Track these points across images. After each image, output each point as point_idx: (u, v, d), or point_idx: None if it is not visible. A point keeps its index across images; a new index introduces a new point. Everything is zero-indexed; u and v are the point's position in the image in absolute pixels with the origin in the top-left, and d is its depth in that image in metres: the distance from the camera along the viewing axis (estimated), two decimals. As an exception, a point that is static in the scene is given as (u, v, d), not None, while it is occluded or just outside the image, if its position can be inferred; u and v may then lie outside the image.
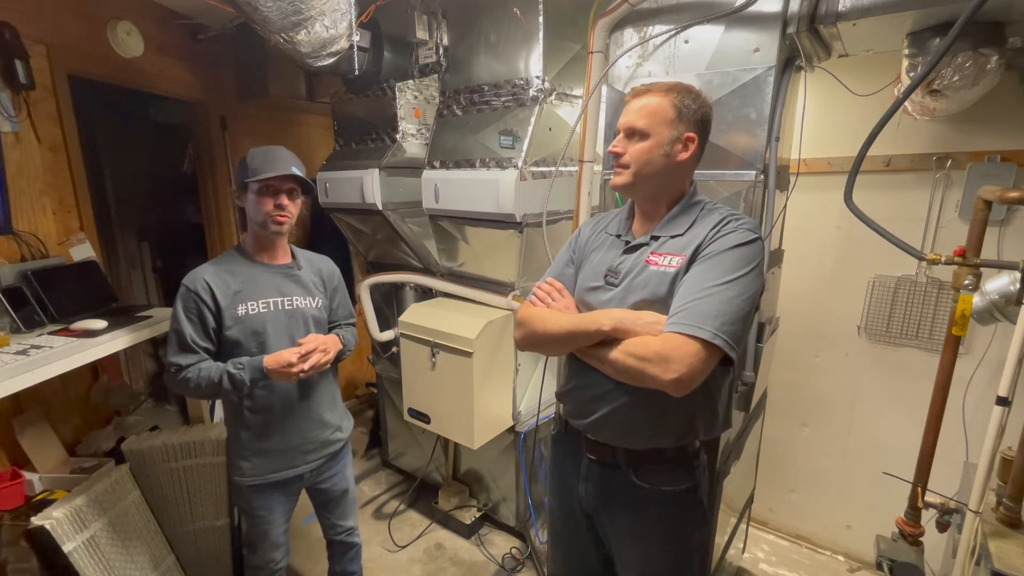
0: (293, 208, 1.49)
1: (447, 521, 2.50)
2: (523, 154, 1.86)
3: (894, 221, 1.69)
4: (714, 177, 1.49)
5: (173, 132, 3.47)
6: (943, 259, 1.48)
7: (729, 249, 1.05)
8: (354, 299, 2.59)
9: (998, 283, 1.49)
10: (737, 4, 1.40)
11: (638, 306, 1.11)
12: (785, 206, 1.81)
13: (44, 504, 1.62)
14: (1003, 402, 1.30)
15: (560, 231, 2.02)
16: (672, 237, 1.14)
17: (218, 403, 3.21)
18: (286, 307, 1.50)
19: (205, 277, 1.42)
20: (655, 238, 1.16)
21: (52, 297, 1.86)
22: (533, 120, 1.89)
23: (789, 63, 1.49)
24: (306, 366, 1.41)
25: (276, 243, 1.53)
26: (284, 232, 1.50)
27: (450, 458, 2.57)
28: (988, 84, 1.46)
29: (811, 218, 2.19)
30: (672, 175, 1.15)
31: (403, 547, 2.39)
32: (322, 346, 1.47)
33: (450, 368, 2.01)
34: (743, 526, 2.22)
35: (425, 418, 2.17)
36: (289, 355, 1.40)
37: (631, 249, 1.18)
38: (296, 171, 1.44)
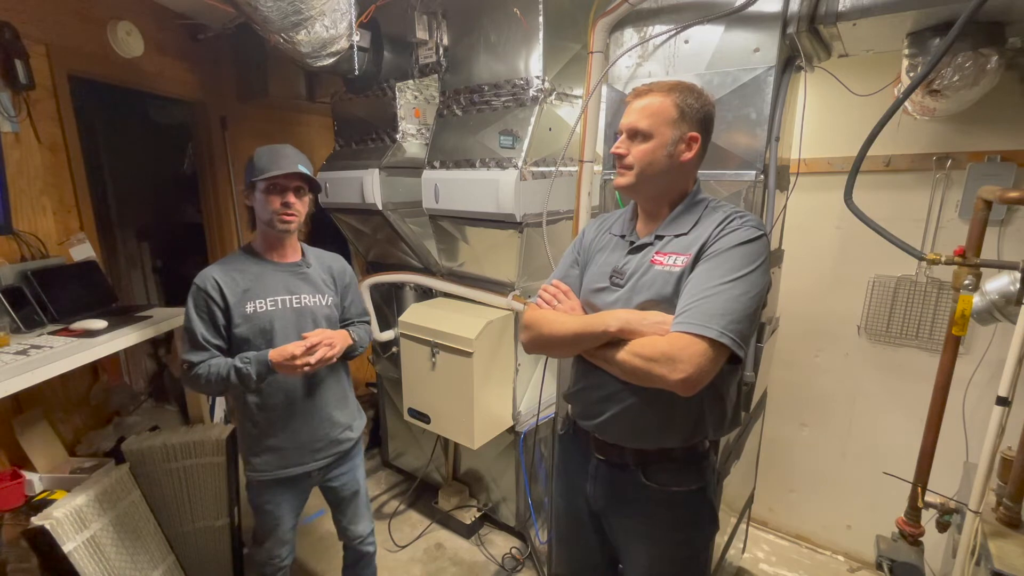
0: (300, 206, 1.49)
1: (447, 521, 2.50)
2: (523, 154, 1.86)
3: (894, 221, 1.69)
4: (714, 177, 1.49)
5: (173, 132, 3.47)
6: (943, 259, 1.48)
7: (734, 247, 1.05)
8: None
9: (998, 283, 1.49)
10: (737, 4, 1.40)
11: (644, 306, 1.10)
12: (785, 206, 1.81)
13: (44, 504, 1.62)
14: (1003, 402, 1.30)
15: (560, 231, 2.02)
16: (677, 236, 1.13)
17: (218, 403, 3.22)
18: (294, 305, 1.51)
19: (214, 275, 1.44)
20: (659, 237, 1.15)
21: (52, 297, 1.86)
22: (533, 120, 1.89)
23: (789, 63, 1.48)
24: (312, 359, 1.40)
25: (285, 241, 1.53)
26: (292, 230, 1.50)
27: (450, 458, 2.57)
28: (988, 84, 1.46)
29: (811, 218, 2.19)
30: (675, 175, 1.14)
31: (403, 547, 2.39)
32: (328, 340, 1.46)
33: (450, 368, 2.01)
34: (743, 526, 2.21)
35: (425, 418, 2.17)
36: (293, 348, 1.40)
37: (636, 249, 1.18)
38: (303, 169, 1.45)
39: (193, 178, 3.00)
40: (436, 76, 2.19)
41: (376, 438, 3.10)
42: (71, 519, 1.58)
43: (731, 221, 1.09)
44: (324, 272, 1.60)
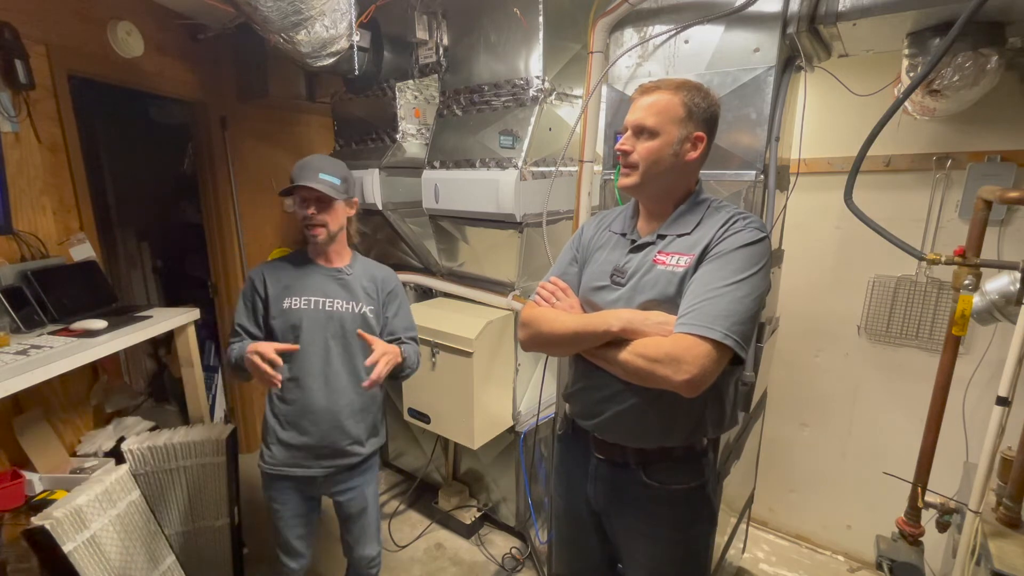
0: (325, 217, 1.48)
1: (447, 521, 2.50)
2: (523, 154, 1.87)
3: (894, 221, 1.69)
4: (714, 177, 1.49)
5: (173, 132, 3.47)
6: (943, 259, 1.48)
7: (738, 248, 1.05)
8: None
9: (998, 283, 1.49)
10: (737, 4, 1.40)
11: (646, 306, 1.10)
12: (785, 206, 1.81)
13: (44, 504, 1.62)
14: (1003, 402, 1.30)
15: (560, 231, 2.02)
16: (679, 236, 1.13)
17: (218, 403, 3.22)
18: (326, 308, 1.52)
19: (264, 270, 1.55)
20: (662, 237, 1.15)
21: (52, 297, 1.86)
22: (533, 120, 1.89)
23: (789, 63, 1.49)
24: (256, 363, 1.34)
25: (328, 249, 1.56)
26: (321, 241, 1.50)
27: (450, 458, 2.57)
28: (988, 84, 1.46)
29: (811, 218, 2.19)
30: (680, 174, 1.14)
31: (403, 547, 2.39)
32: (382, 359, 1.39)
33: (450, 368, 2.01)
34: (743, 526, 2.22)
35: (425, 418, 2.17)
36: (262, 346, 1.35)
37: (637, 248, 1.17)
38: (325, 177, 1.45)
39: (193, 178, 3.00)
40: (436, 76, 2.19)
41: (376, 438, 3.10)
42: (71, 519, 1.58)
43: (735, 222, 1.09)
44: (367, 280, 1.60)
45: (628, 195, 1.19)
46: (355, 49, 2.00)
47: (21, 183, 1.91)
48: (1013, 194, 1.37)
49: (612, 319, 1.09)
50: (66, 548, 1.54)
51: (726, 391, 1.17)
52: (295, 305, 1.51)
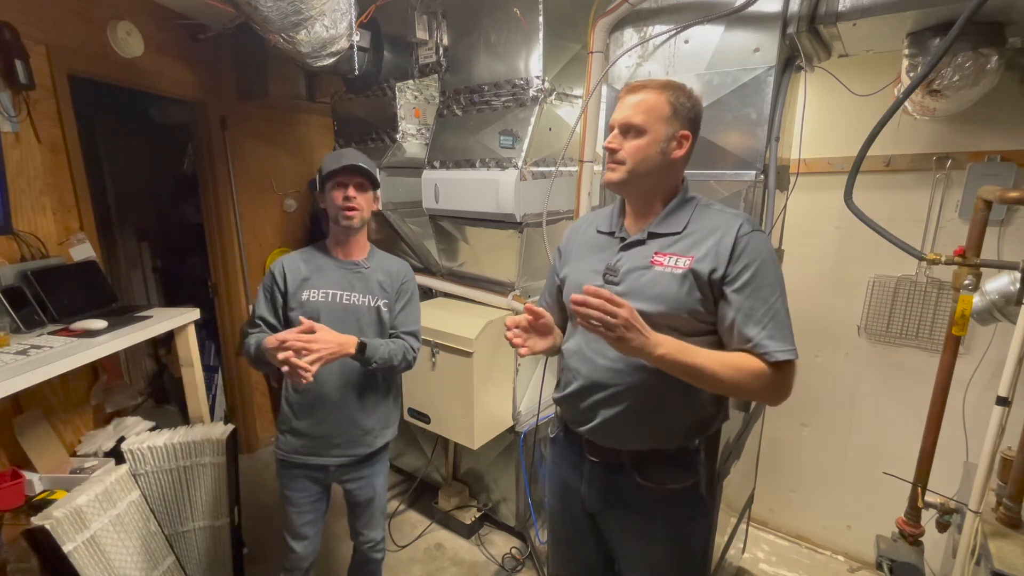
0: (362, 200, 1.53)
1: (447, 521, 2.50)
2: (523, 154, 1.86)
3: (894, 221, 1.69)
4: (714, 177, 1.49)
5: (173, 132, 3.47)
6: (943, 259, 1.48)
7: (770, 258, 1.09)
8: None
9: (998, 283, 1.49)
10: (737, 4, 1.40)
11: (645, 305, 1.10)
12: (785, 206, 1.81)
13: (44, 504, 1.62)
14: (1003, 402, 1.30)
15: (560, 231, 2.01)
16: (672, 235, 1.14)
17: (218, 403, 3.22)
18: (343, 301, 1.55)
19: (284, 262, 1.56)
20: (653, 235, 1.15)
21: (52, 297, 1.86)
22: (533, 120, 1.89)
23: (789, 63, 1.49)
24: (280, 355, 1.33)
25: (351, 239, 1.58)
26: (355, 224, 1.54)
27: (450, 458, 2.57)
28: (988, 84, 1.46)
29: (811, 218, 2.19)
30: (666, 173, 1.15)
31: (403, 547, 2.39)
32: (308, 343, 1.35)
33: (450, 368, 2.01)
34: (743, 526, 2.22)
35: (425, 418, 2.17)
36: (285, 334, 1.35)
37: (627, 246, 1.18)
38: (361, 164, 1.50)
39: (193, 178, 3.00)
40: (436, 76, 2.19)
41: (376, 438, 3.10)
42: (71, 519, 1.58)
43: (742, 226, 1.09)
44: (383, 274, 1.62)
45: (616, 192, 1.19)
46: (355, 49, 2.00)
47: (21, 183, 1.91)
48: (1013, 194, 1.37)
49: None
50: (66, 548, 1.54)
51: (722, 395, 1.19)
52: (313, 298, 1.53)
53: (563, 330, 1.33)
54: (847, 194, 1.44)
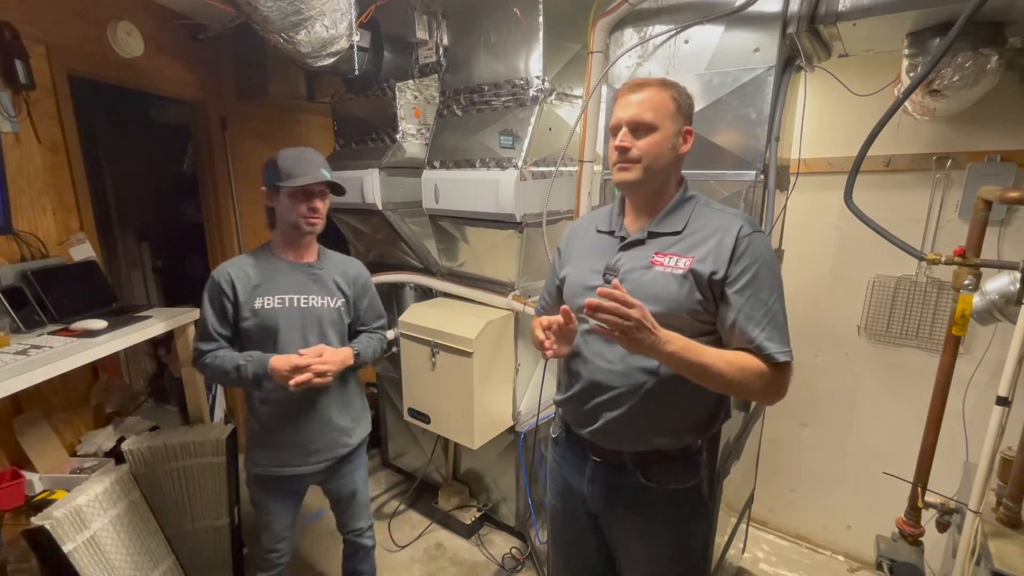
0: (324, 208, 1.53)
1: (447, 521, 2.50)
2: (523, 154, 1.86)
3: (894, 221, 1.69)
4: (714, 177, 1.49)
5: (173, 132, 3.47)
6: (943, 259, 1.48)
7: (770, 260, 1.10)
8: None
9: (998, 283, 1.49)
10: (737, 4, 1.40)
11: (648, 305, 1.09)
12: (785, 206, 1.81)
13: (44, 504, 1.62)
14: (1003, 402, 1.30)
15: (560, 231, 2.01)
16: (672, 234, 1.14)
17: (218, 403, 3.21)
18: (301, 305, 1.52)
19: (229, 270, 1.49)
20: (653, 235, 1.15)
21: (52, 297, 1.86)
22: (533, 120, 1.89)
23: (789, 63, 1.49)
24: (294, 381, 1.39)
25: (304, 242, 1.56)
26: (318, 231, 1.54)
27: (450, 458, 2.57)
28: (988, 84, 1.46)
29: (811, 218, 2.19)
30: (674, 169, 1.16)
31: (403, 547, 2.39)
32: (319, 364, 1.43)
33: (450, 368, 2.01)
34: (743, 526, 2.22)
35: (425, 418, 2.17)
36: (296, 359, 1.41)
37: (627, 246, 1.18)
38: (328, 175, 1.49)
39: (193, 178, 3.00)
40: (436, 76, 2.19)
41: (376, 438, 3.09)
42: (71, 519, 1.58)
43: (743, 227, 1.10)
44: (338, 275, 1.61)
45: (629, 191, 1.18)
46: (355, 49, 2.00)
47: (21, 183, 1.91)
48: (1013, 194, 1.37)
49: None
50: (66, 548, 1.55)
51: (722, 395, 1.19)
52: (268, 305, 1.48)
53: None
54: (847, 194, 1.44)
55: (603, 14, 1.61)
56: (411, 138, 2.22)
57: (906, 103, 1.65)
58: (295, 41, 1.74)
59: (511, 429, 2.21)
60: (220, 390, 3.21)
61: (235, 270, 1.49)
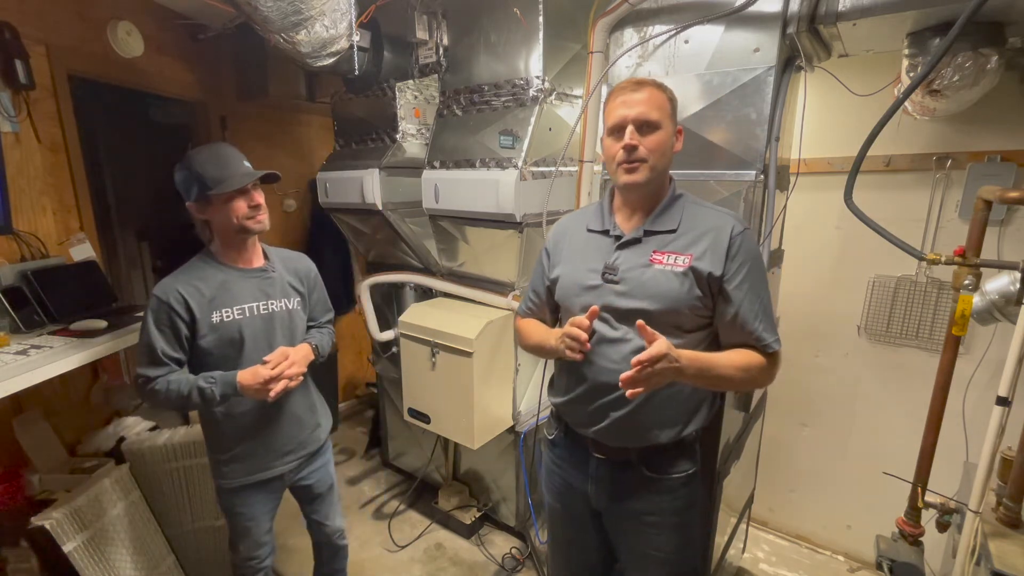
0: (263, 200, 1.44)
1: (447, 521, 2.50)
2: (523, 154, 1.86)
3: (894, 221, 1.69)
4: (714, 177, 1.49)
5: (173, 132, 3.46)
6: (943, 259, 1.48)
7: (759, 255, 1.15)
8: (354, 299, 2.59)
9: (998, 283, 1.49)
10: (737, 4, 1.40)
11: (645, 303, 1.12)
12: (785, 206, 1.81)
13: (44, 504, 1.63)
14: (1003, 402, 1.30)
15: (560, 231, 2.02)
16: (667, 232, 1.16)
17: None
18: (262, 312, 1.46)
19: (177, 287, 1.36)
20: (649, 233, 1.17)
21: (52, 297, 1.86)
22: (533, 120, 1.89)
23: (789, 63, 1.49)
24: (273, 392, 1.36)
25: (249, 245, 1.48)
26: (265, 227, 1.44)
27: (450, 458, 2.57)
28: (988, 84, 1.46)
29: (811, 218, 2.19)
30: (669, 167, 1.18)
31: (403, 547, 2.39)
32: (288, 367, 1.40)
33: (450, 368, 2.01)
34: (743, 526, 2.21)
35: (425, 418, 2.17)
36: (266, 372, 1.36)
37: (624, 245, 1.18)
38: (250, 166, 1.42)
39: (193, 178, 2.99)
40: (436, 76, 2.19)
41: (376, 438, 3.10)
42: (71, 519, 1.58)
43: (735, 226, 1.14)
44: (290, 275, 1.56)
45: (635, 191, 1.17)
46: (355, 49, 2.00)
47: (21, 183, 1.91)
48: (1013, 194, 1.37)
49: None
50: (66, 548, 1.55)
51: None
52: (228, 317, 1.40)
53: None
54: (847, 194, 1.44)
55: (603, 14, 1.61)
56: (411, 138, 2.22)
57: (906, 103, 1.65)
58: (295, 41, 1.74)
59: (511, 429, 2.21)
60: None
61: (183, 286, 1.37)
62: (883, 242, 1.47)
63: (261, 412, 1.49)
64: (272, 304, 1.48)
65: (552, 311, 1.36)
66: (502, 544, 2.41)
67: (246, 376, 1.35)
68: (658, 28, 1.56)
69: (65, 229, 2.08)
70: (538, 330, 1.33)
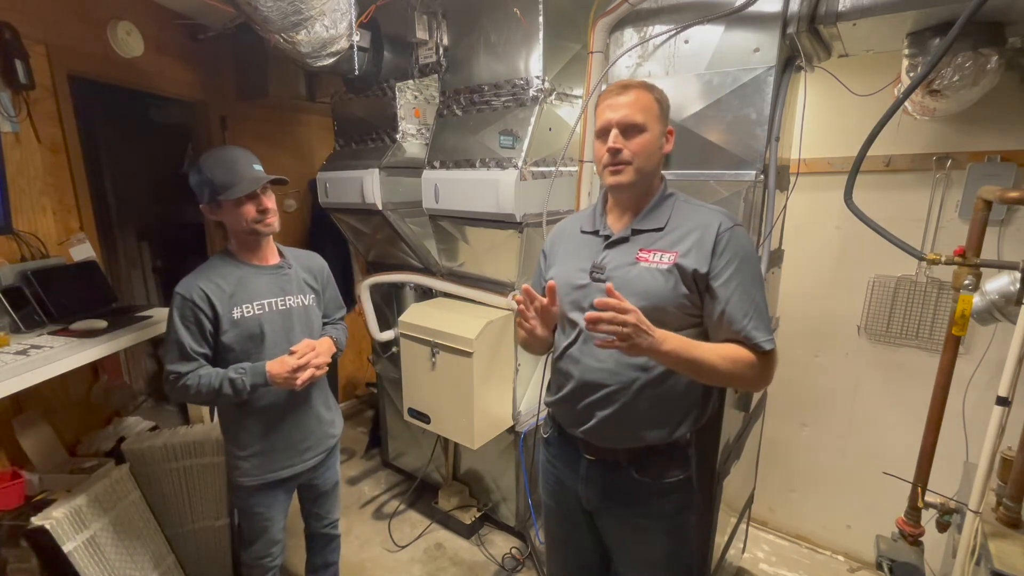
0: (273, 203, 1.48)
1: (447, 521, 2.50)
2: (523, 154, 1.86)
3: (894, 221, 1.69)
4: (714, 177, 1.49)
5: (173, 132, 3.47)
6: (943, 259, 1.48)
7: (751, 252, 1.13)
8: (354, 299, 2.59)
9: (998, 283, 1.49)
10: (737, 4, 1.40)
11: (636, 300, 1.10)
12: (785, 206, 1.81)
13: (44, 504, 1.62)
14: (1003, 402, 1.30)
15: (560, 231, 2.02)
16: (655, 231, 1.16)
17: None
18: (280, 307, 1.50)
19: (199, 284, 1.40)
20: (636, 232, 1.18)
21: (52, 297, 1.86)
22: (533, 120, 1.89)
23: (789, 63, 1.49)
24: (300, 380, 1.42)
25: (264, 244, 1.52)
26: (276, 228, 1.49)
27: (450, 458, 2.57)
28: (988, 84, 1.46)
29: (811, 218, 2.19)
30: (658, 168, 1.19)
31: (403, 547, 2.39)
32: (314, 357, 1.46)
33: (450, 368, 2.01)
34: (743, 526, 2.21)
35: (425, 418, 2.17)
36: (293, 360, 1.41)
37: (612, 244, 1.19)
38: (260, 169, 1.45)
39: (193, 178, 2.99)
40: (436, 76, 2.19)
41: (376, 438, 3.10)
42: (71, 519, 1.58)
43: (724, 223, 1.13)
44: (304, 272, 1.61)
45: (620, 193, 1.19)
46: (355, 49, 2.00)
47: (21, 183, 1.91)
48: (1013, 194, 1.37)
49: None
50: (66, 548, 1.55)
51: (710, 387, 1.22)
52: (248, 313, 1.44)
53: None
54: (847, 194, 1.44)
55: (603, 14, 1.61)
56: (411, 138, 2.22)
57: (906, 103, 1.65)
58: (295, 41, 1.74)
59: (511, 429, 2.21)
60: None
61: (204, 283, 1.41)
62: (883, 242, 1.47)
63: (285, 405, 1.52)
64: (290, 300, 1.53)
65: None
66: (502, 544, 2.41)
67: (274, 365, 1.40)
68: (658, 28, 1.56)
69: (65, 229, 2.08)
70: None
